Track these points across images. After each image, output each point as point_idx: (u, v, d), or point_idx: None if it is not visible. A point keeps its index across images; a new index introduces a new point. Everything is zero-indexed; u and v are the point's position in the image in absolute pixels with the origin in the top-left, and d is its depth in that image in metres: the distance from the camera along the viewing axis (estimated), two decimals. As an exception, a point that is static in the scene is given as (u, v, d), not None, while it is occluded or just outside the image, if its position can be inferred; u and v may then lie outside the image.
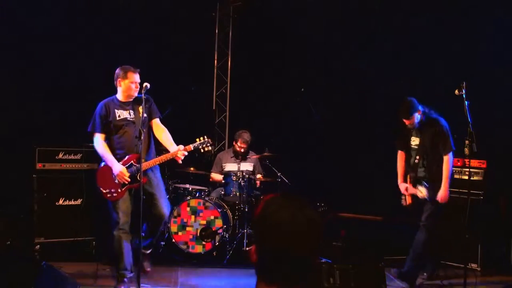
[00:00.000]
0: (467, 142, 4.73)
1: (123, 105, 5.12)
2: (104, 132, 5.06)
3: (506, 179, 6.05)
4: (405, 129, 5.32)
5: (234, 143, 7.06)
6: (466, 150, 4.77)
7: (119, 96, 5.17)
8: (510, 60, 6.27)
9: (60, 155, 6.27)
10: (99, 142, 5.04)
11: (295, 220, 1.55)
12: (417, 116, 5.17)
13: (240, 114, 8.45)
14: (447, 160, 5.09)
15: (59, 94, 6.76)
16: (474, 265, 5.72)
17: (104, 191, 4.94)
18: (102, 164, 5.05)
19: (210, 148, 5.22)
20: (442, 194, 5.07)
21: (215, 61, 8.78)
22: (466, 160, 5.22)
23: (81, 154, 6.36)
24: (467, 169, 5.34)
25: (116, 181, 4.92)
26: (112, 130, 5.04)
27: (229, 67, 8.79)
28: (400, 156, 5.47)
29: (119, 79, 5.11)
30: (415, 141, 5.30)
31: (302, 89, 7.03)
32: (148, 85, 4.82)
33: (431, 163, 5.18)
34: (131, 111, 5.10)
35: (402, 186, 5.41)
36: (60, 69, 6.83)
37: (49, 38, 6.72)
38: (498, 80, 6.38)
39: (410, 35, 6.95)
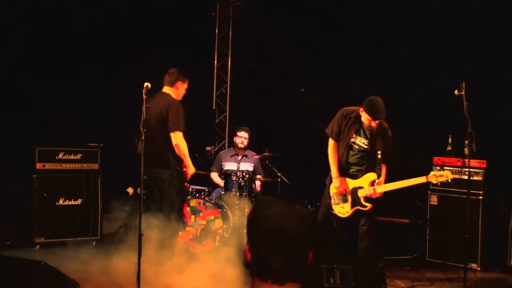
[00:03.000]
0: (467, 142, 4.73)
1: None
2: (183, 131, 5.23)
3: (506, 179, 6.05)
4: (349, 123, 5.04)
5: (234, 138, 7.07)
6: (466, 150, 4.76)
7: (176, 97, 5.32)
8: (510, 60, 6.27)
9: (60, 155, 6.27)
10: (184, 141, 5.19)
11: (286, 214, 1.58)
12: None
13: (240, 114, 8.45)
14: (386, 168, 5.04)
15: (59, 94, 6.77)
16: (474, 265, 5.72)
17: (188, 185, 5.41)
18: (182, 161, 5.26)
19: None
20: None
21: (215, 61, 8.78)
22: (466, 160, 5.22)
23: (81, 154, 6.36)
24: (467, 169, 5.34)
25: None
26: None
27: (229, 67, 8.79)
28: (334, 146, 5.15)
29: (179, 81, 5.31)
30: (356, 139, 5.02)
31: (302, 89, 7.03)
32: (150, 85, 4.84)
33: (374, 165, 5.02)
34: None
35: (339, 181, 5.07)
36: (60, 69, 6.82)
37: (50, 37, 6.73)
38: (498, 80, 6.38)
39: (409, 34, 6.96)
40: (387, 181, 5.03)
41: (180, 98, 5.33)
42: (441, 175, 4.82)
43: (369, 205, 4.97)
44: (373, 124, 4.88)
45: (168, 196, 5.17)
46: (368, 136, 5.01)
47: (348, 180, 5.09)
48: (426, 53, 6.94)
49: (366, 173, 5.04)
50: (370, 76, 7.24)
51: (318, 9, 7.58)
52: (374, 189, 4.93)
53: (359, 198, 5.01)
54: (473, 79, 5.36)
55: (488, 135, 5.49)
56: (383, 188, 4.94)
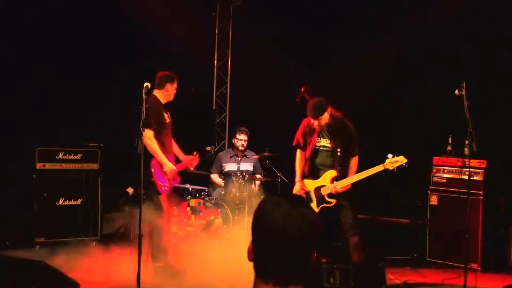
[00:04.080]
0: (467, 142, 4.73)
1: (164, 108, 5.40)
2: (154, 130, 5.19)
3: (506, 179, 6.05)
4: (311, 129, 5.32)
5: (233, 140, 7.07)
6: (466, 150, 4.76)
7: (161, 98, 5.40)
8: (510, 60, 6.27)
9: (60, 155, 6.27)
10: (152, 138, 5.18)
11: (290, 217, 1.57)
12: (325, 117, 5.17)
13: (240, 114, 8.44)
14: (356, 160, 5.24)
15: (59, 94, 6.77)
16: (474, 265, 5.71)
17: (161, 183, 5.24)
18: (152, 159, 5.20)
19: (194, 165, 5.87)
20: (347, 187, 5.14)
21: (215, 61, 8.77)
22: (466, 160, 5.22)
23: (81, 154, 6.36)
24: (467, 169, 5.34)
25: (166, 176, 5.27)
26: (158, 129, 5.22)
27: (229, 67, 8.79)
28: (300, 155, 5.48)
29: (168, 83, 5.38)
30: (321, 142, 5.31)
31: (302, 89, 7.02)
32: (149, 85, 4.86)
33: (342, 163, 5.23)
34: (168, 114, 5.41)
35: (298, 184, 5.38)
36: (60, 69, 6.82)
37: (51, 37, 6.73)
38: (498, 80, 6.38)
39: (409, 34, 6.96)
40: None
41: (171, 98, 5.45)
42: (396, 161, 4.98)
43: (333, 201, 5.19)
44: (316, 123, 5.19)
45: (147, 193, 5.26)
46: (329, 135, 5.26)
47: (310, 181, 5.34)
48: (426, 53, 6.94)
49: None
50: (370, 76, 7.24)
51: (318, 9, 7.58)
52: (334, 185, 5.16)
53: (323, 196, 5.24)
54: (473, 79, 5.36)
55: (488, 135, 5.49)
56: (344, 182, 5.14)
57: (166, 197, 5.37)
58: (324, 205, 5.21)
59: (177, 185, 5.67)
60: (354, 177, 5.12)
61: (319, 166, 5.32)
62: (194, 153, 5.77)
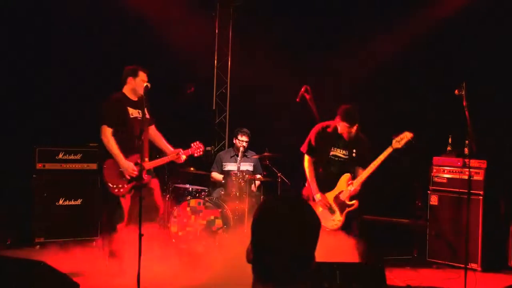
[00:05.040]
0: (467, 142, 4.73)
1: (133, 104, 5.18)
2: (112, 127, 5.06)
3: (506, 179, 6.05)
4: (326, 137, 5.23)
5: (234, 140, 7.06)
6: (466, 150, 4.77)
7: (129, 94, 5.23)
8: (510, 60, 6.27)
9: (60, 155, 6.28)
10: (108, 136, 5.04)
11: (290, 218, 1.57)
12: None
13: (240, 114, 8.44)
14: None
15: (59, 94, 6.76)
16: (474, 265, 5.71)
17: (112, 186, 5.04)
18: (108, 159, 5.07)
19: (201, 153, 5.55)
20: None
21: (215, 61, 8.77)
22: (466, 160, 5.22)
23: (81, 154, 6.37)
24: (467, 169, 5.34)
25: (123, 177, 5.03)
26: (120, 126, 5.07)
27: (229, 67, 8.79)
28: (311, 162, 5.33)
29: (130, 77, 5.19)
30: (335, 151, 5.23)
31: (303, 89, 7.02)
32: (149, 85, 4.86)
33: (354, 169, 5.24)
34: (139, 110, 5.12)
35: (320, 195, 5.25)
36: (60, 69, 6.82)
37: (51, 37, 6.73)
38: (498, 79, 6.38)
39: (409, 34, 6.96)
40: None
41: (141, 92, 5.03)
42: (401, 138, 4.95)
43: (355, 202, 5.18)
44: (353, 130, 5.10)
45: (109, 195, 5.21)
46: (347, 145, 5.21)
47: (329, 194, 5.28)
48: (426, 53, 6.94)
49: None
50: (371, 76, 7.24)
51: (318, 9, 7.58)
52: (352, 185, 5.15)
53: (343, 201, 5.20)
54: (473, 79, 5.36)
55: (488, 135, 5.49)
56: (358, 180, 5.15)
57: (128, 199, 5.10)
58: (347, 209, 5.19)
59: (144, 183, 5.11)
60: (368, 169, 5.07)
61: (334, 176, 5.26)
62: (195, 142, 5.53)
